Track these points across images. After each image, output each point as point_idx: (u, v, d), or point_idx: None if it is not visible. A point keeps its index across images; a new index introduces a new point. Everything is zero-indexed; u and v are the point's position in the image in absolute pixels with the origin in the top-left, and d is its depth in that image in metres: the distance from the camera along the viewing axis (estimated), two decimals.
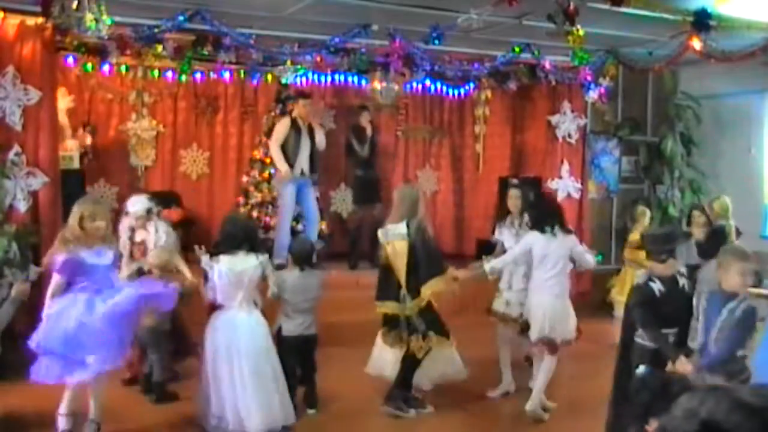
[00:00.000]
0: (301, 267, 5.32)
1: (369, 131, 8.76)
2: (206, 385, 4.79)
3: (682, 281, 4.40)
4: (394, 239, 5.24)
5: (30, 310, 5.00)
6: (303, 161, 8.07)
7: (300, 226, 8.43)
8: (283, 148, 7.98)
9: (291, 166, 7.96)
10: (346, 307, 7.02)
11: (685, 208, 8.79)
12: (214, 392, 4.73)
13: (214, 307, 4.90)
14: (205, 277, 4.88)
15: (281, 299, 5.23)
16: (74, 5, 5.29)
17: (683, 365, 3.98)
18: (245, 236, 4.84)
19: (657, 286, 4.27)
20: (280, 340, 5.24)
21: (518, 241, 5.73)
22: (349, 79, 8.67)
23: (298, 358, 5.31)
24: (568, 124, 9.00)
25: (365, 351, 6.34)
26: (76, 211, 4.57)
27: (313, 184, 8.54)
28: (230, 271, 4.72)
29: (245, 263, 4.75)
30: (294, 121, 8.08)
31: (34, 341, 4.43)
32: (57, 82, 6.91)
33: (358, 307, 7.54)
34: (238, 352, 4.67)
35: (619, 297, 7.90)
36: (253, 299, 4.86)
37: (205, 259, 4.84)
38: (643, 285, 4.34)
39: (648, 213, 8.50)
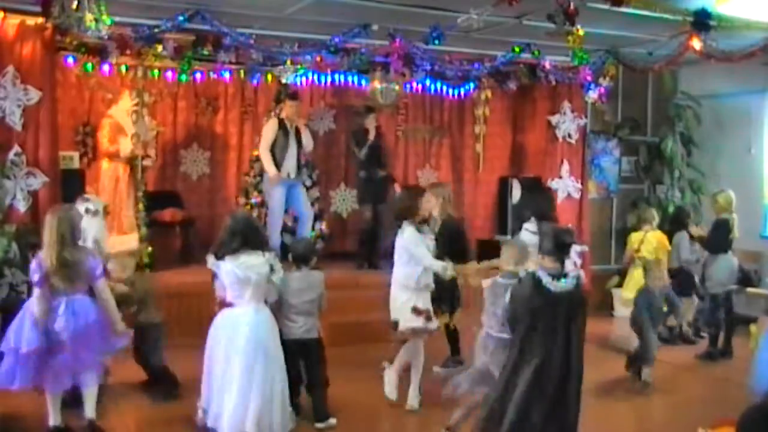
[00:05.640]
0: (299, 267, 5.32)
1: (371, 135, 8.65)
2: (203, 380, 4.79)
3: None
4: None
5: None
6: (290, 163, 8.12)
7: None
8: (272, 150, 8.03)
9: (278, 168, 8.02)
10: (347, 307, 7.01)
11: None
12: (206, 386, 4.73)
13: (224, 305, 4.89)
14: (214, 276, 4.86)
15: (282, 301, 5.20)
16: (74, 5, 5.27)
17: None
18: (246, 233, 4.77)
19: None
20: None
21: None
22: (349, 79, 8.65)
23: (300, 364, 5.23)
24: (568, 124, 9.00)
25: (365, 352, 6.36)
26: None
27: (305, 186, 8.55)
28: (237, 270, 4.70)
29: (251, 261, 4.71)
30: (281, 123, 8.11)
31: None
32: (57, 82, 6.90)
33: (359, 308, 7.56)
34: (236, 348, 4.62)
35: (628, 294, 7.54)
36: (264, 297, 4.83)
37: (211, 259, 4.82)
38: None
39: (656, 214, 8.01)
